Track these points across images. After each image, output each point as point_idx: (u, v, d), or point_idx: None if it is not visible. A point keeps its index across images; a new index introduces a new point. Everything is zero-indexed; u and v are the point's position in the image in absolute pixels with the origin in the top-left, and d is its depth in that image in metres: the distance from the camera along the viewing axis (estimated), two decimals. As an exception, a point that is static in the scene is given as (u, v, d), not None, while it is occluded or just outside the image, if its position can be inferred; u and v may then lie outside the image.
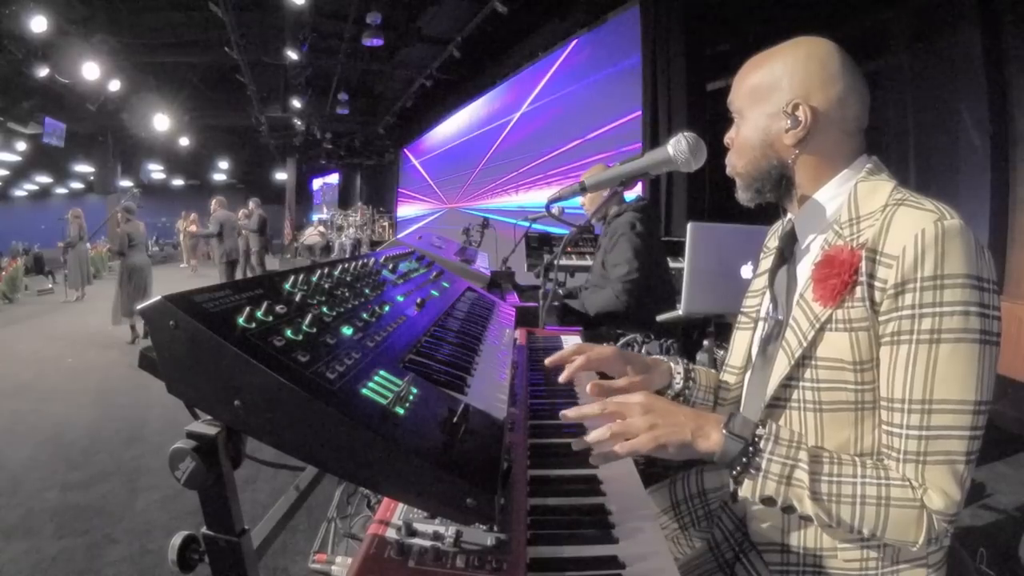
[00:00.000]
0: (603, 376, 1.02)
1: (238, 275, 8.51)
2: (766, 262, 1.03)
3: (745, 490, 0.76)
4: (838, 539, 0.82)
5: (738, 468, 0.76)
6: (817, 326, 0.80)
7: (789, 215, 0.96)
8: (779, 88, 0.86)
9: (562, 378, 0.97)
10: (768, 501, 0.75)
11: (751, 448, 0.75)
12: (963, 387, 0.71)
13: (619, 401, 0.80)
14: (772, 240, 1.06)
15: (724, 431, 0.77)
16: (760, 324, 1.00)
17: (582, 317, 2.64)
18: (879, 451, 0.78)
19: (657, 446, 0.77)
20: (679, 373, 1.06)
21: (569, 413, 0.81)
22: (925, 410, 0.72)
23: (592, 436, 0.78)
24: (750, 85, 0.90)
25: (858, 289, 0.77)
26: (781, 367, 0.85)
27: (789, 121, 0.85)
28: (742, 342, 1.03)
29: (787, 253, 0.96)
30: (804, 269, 0.89)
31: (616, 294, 2.51)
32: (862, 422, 0.79)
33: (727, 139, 0.96)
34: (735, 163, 0.94)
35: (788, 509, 0.76)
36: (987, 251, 0.74)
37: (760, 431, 0.77)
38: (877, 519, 0.72)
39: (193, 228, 12.25)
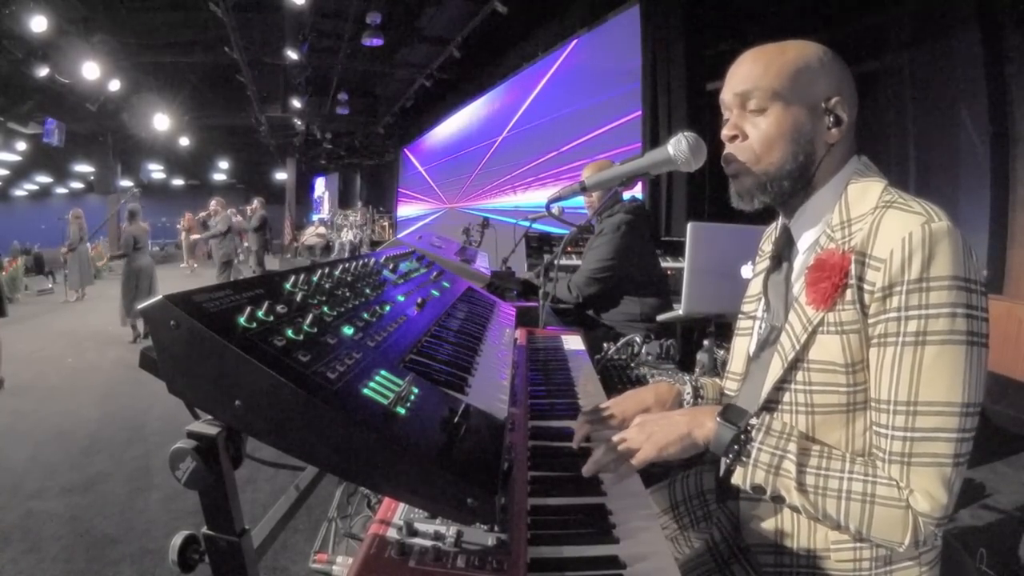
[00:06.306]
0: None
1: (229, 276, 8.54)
2: (761, 266, 1.03)
3: (736, 477, 0.79)
4: (831, 540, 0.82)
5: (730, 456, 0.79)
6: (810, 329, 0.80)
7: (783, 218, 0.95)
8: (817, 82, 0.83)
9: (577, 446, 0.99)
10: (758, 489, 0.78)
11: (743, 436, 0.78)
12: (949, 389, 0.71)
13: (620, 435, 0.87)
14: (767, 244, 1.05)
15: (718, 419, 0.81)
16: (756, 327, 0.99)
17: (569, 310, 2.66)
18: (870, 451, 0.78)
19: (659, 450, 0.82)
20: (688, 394, 1.08)
21: (587, 469, 0.85)
22: (910, 411, 0.72)
23: (597, 459, 0.84)
24: (792, 69, 0.82)
25: (848, 292, 0.77)
26: (775, 370, 0.85)
27: (831, 118, 0.83)
28: (742, 348, 1.03)
29: (783, 256, 0.95)
30: (799, 272, 0.88)
31: (568, 285, 2.54)
32: (853, 424, 0.80)
33: (729, 132, 0.87)
34: (760, 156, 0.84)
35: (777, 499, 0.78)
36: (975, 253, 0.74)
37: (753, 421, 0.80)
38: (862, 516, 0.72)
39: (195, 236, 11.72)
